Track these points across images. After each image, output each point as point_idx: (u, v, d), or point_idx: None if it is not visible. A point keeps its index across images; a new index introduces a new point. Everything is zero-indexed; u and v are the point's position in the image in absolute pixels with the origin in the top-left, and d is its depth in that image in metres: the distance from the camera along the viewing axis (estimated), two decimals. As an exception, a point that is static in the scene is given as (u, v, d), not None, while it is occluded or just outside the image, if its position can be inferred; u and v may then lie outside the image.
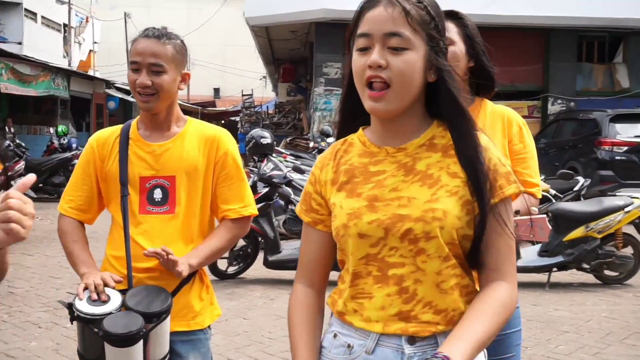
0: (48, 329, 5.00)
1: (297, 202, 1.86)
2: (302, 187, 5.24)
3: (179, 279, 2.12)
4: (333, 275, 1.56)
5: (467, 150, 1.42)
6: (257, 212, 2.37)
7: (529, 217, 2.05)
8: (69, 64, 27.13)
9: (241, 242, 6.70)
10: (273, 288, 6.40)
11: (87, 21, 33.10)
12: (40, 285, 6.39)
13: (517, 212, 2.04)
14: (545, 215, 2.05)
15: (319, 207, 1.55)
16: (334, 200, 1.50)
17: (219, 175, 2.26)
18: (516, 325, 2.29)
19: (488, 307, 1.38)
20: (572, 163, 11.26)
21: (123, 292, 2.02)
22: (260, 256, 6.76)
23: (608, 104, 13.44)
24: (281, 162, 8.44)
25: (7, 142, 13.41)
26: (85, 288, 2.00)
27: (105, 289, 2.00)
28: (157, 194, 2.20)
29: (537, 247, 6.54)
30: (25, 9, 24.70)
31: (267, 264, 6.60)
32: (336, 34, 12.89)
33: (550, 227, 2.05)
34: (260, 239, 6.74)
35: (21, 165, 12.62)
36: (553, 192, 7.55)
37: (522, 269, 5.96)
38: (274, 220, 6.82)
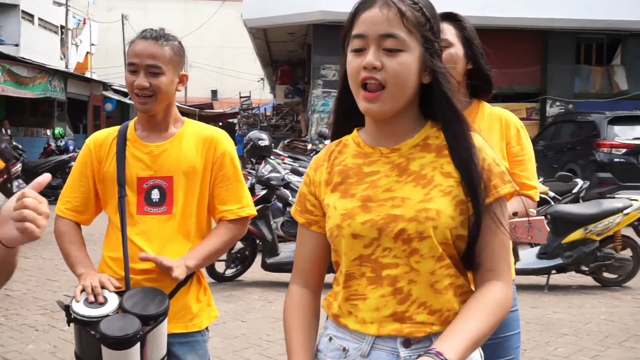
0: (45, 332, 4.98)
1: (296, 204, 1.84)
2: (301, 189, 5.21)
3: (176, 281, 2.10)
4: (330, 277, 1.55)
5: (461, 151, 1.42)
6: (255, 213, 2.36)
7: (526, 218, 2.05)
8: (66, 66, 27.12)
9: (239, 245, 6.69)
10: (271, 291, 6.38)
11: (84, 23, 33.07)
12: (37, 288, 6.36)
13: (515, 214, 2.04)
14: (543, 217, 2.04)
15: (314, 208, 1.55)
16: (328, 201, 1.50)
17: (217, 176, 2.25)
18: (515, 328, 2.28)
19: (483, 306, 1.38)
20: (571, 165, 11.27)
21: (120, 294, 2.02)
22: (258, 259, 6.73)
23: (606, 106, 13.45)
24: (279, 164, 8.43)
25: (4, 144, 13.36)
26: (83, 290, 1.99)
27: (103, 291, 1.99)
28: (155, 194, 2.20)
29: (536, 249, 6.54)
30: (23, 11, 24.68)
31: (265, 266, 6.58)
32: (334, 36, 12.84)
33: (548, 229, 2.04)
34: (258, 241, 6.71)
35: (18, 167, 12.56)
36: (552, 194, 7.55)
37: (520, 272, 5.94)
38: (272, 222, 6.80)
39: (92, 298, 1.96)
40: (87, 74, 29.30)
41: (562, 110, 15.04)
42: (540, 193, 6.93)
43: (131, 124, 2.30)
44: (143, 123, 2.26)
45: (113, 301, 1.96)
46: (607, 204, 6.46)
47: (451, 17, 2.27)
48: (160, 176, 2.20)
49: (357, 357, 1.45)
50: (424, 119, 1.50)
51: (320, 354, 1.51)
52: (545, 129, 13.47)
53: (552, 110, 15.26)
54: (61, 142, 15.02)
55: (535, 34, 15.23)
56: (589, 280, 6.70)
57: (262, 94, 33.86)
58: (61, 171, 13.30)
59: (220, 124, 29.67)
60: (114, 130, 2.32)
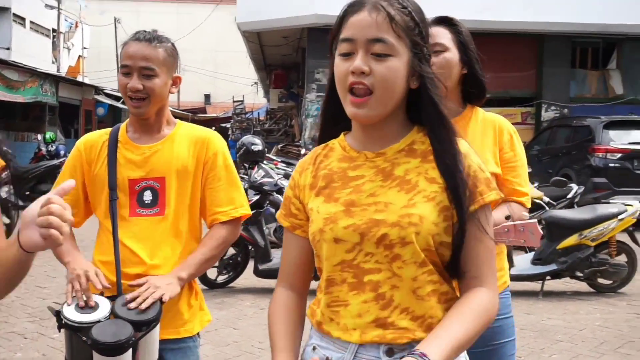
0: (34, 340, 4.93)
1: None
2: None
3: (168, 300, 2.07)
4: (315, 285, 1.54)
5: (446, 157, 1.41)
6: (250, 213, 2.33)
7: (520, 222, 2.03)
8: (58, 70, 27.06)
9: (231, 251, 6.67)
10: (263, 297, 6.33)
11: (76, 26, 33.03)
12: (26, 295, 6.28)
13: (508, 218, 2.01)
14: (536, 220, 2.03)
15: (298, 211, 1.55)
16: (312, 205, 1.49)
17: (208, 176, 2.24)
18: (510, 335, 2.28)
19: (469, 310, 1.37)
20: (566, 170, 11.29)
21: (112, 298, 1.99)
22: (251, 265, 6.70)
23: (602, 111, 13.49)
24: (272, 169, 8.40)
25: (3, 145, 13.31)
26: (74, 290, 1.99)
27: (94, 296, 1.98)
28: (147, 196, 2.19)
29: (530, 255, 6.56)
30: (14, 14, 24.62)
31: (258, 272, 6.57)
32: (328, 39, 12.84)
33: (541, 232, 2.03)
34: (250, 247, 6.71)
35: (7, 172, 12.46)
36: (546, 199, 7.55)
37: (515, 278, 5.93)
38: (264, 228, 6.76)
39: (82, 303, 1.94)
40: (79, 78, 29.24)
41: (558, 115, 15.06)
42: (535, 198, 6.92)
43: (123, 126, 2.30)
44: (135, 125, 2.26)
45: (105, 306, 1.94)
46: (602, 209, 6.49)
47: (447, 21, 2.26)
48: (152, 177, 2.19)
49: None
50: (410, 124, 1.49)
51: None
52: (540, 133, 13.49)
53: (547, 114, 15.29)
54: (52, 146, 14.99)
55: (530, 38, 15.26)
56: (583, 286, 6.69)
57: (256, 98, 33.91)
58: (52, 176, 13.19)
59: (213, 128, 29.55)
60: (105, 132, 2.31)
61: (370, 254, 1.40)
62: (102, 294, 2.03)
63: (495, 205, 1.49)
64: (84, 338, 1.85)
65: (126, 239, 2.16)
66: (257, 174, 7.17)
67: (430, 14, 2.25)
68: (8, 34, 23.84)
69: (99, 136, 2.29)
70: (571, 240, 6.33)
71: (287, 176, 8.24)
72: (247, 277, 6.80)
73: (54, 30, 29.24)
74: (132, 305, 1.94)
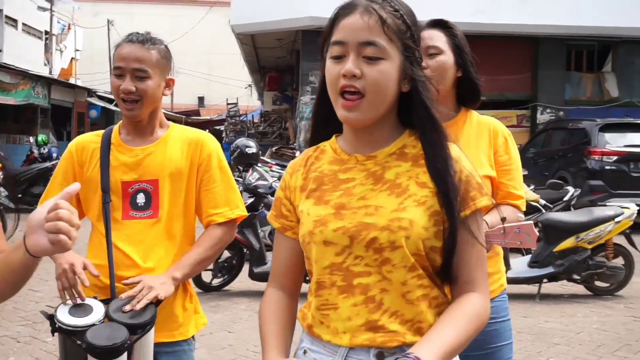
0: (27, 344, 4.90)
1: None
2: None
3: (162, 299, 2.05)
4: (306, 288, 1.54)
5: (437, 161, 1.41)
6: (246, 213, 2.32)
7: (515, 224, 2.01)
8: (50, 72, 26.98)
9: (226, 254, 6.66)
10: (259, 300, 6.19)
11: (69, 28, 32.94)
12: (18, 299, 6.22)
13: (503, 219, 2.00)
14: (532, 222, 2.02)
15: (289, 213, 1.55)
16: (302, 207, 1.50)
17: (203, 178, 2.24)
18: (507, 338, 2.28)
19: (462, 315, 1.38)
20: (562, 173, 11.33)
21: (106, 302, 1.99)
22: (246, 268, 6.68)
23: (597, 113, 13.53)
24: (267, 172, 8.36)
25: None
26: (67, 297, 2.00)
27: (88, 299, 1.97)
28: (140, 198, 2.19)
29: (527, 258, 6.58)
30: (6, 16, 24.50)
31: (253, 275, 6.56)
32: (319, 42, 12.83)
33: (538, 234, 2.02)
34: (245, 250, 6.72)
35: (0, 175, 12.40)
36: (543, 202, 7.55)
37: (512, 280, 5.93)
38: (259, 231, 6.75)
39: (73, 300, 1.95)
40: (72, 80, 29.15)
41: (553, 117, 15.11)
42: (531, 201, 6.91)
43: (116, 128, 2.29)
44: (128, 127, 2.26)
45: (99, 310, 1.93)
46: (599, 212, 6.52)
47: (442, 24, 2.27)
48: (146, 180, 2.19)
49: None
50: (402, 127, 1.50)
51: None
52: (536, 136, 13.54)
53: (542, 117, 15.32)
54: (44, 149, 14.93)
55: (525, 41, 15.30)
56: (580, 289, 6.73)
57: (250, 101, 33.84)
58: (44, 179, 13.14)
59: (207, 131, 29.51)
60: (97, 134, 2.31)
61: (359, 257, 1.40)
62: (95, 297, 2.01)
63: (487, 210, 1.48)
64: (79, 342, 1.84)
65: (119, 241, 2.15)
66: (252, 177, 7.14)
67: (425, 16, 2.23)
68: (0, 36, 23.73)
69: (92, 138, 2.29)
70: (568, 243, 6.36)
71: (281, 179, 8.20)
72: (242, 280, 6.77)
73: (46, 32, 29.13)
74: (127, 307, 1.93)
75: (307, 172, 1.53)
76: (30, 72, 20.56)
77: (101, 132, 2.31)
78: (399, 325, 1.39)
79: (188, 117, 31.28)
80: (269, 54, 19.68)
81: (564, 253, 6.36)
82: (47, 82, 22.18)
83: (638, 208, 6.61)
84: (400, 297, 1.39)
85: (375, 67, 1.37)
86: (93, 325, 1.88)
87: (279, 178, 8.13)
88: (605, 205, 7.06)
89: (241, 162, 7.72)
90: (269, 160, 12.29)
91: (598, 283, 6.59)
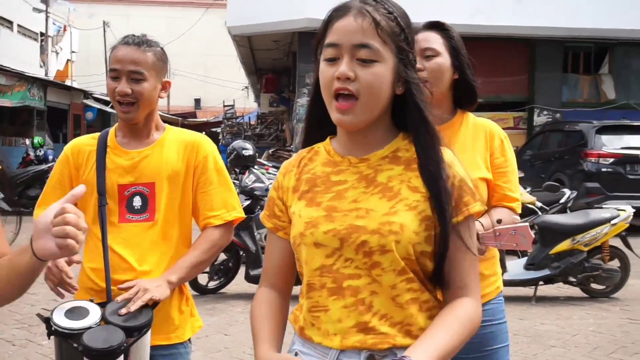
0: (22, 347, 4.88)
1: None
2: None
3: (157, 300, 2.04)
4: (298, 290, 1.54)
5: (430, 164, 1.41)
6: (243, 215, 2.31)
7: (511, 225, 2.01)
8: (46, 74, 26.92)
9: (222, 256, 6.66)
10: (255, 303, 6.28)
11: (64, 30, 32.86)
12: (14, 302, 6.19)
13: (499, 221, 2.00)
14: (527, 224, 2.02)
15: (281, 213, 1.55)
16: (294, 209, 1.50)
17: (199, 181, 2.23)
18: (504, 341, 2.27)
19: (455, 319, 1.38)
20: (558, 175, 11.34)
21: (102, 305, 1.98)
22: (242, 270, 6.66)
23: (594, 115, 13.54)
24: (263, 174, 8.35)
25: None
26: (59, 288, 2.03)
27: (84, 302, 1.96)
28: (137, 201, 2.18)
29: (523, 260, 6.58)
30: (1, 17, 24.49)
31: (249, 278, 6.55)
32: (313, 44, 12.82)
33: (533, 236, 2.03)
34: (241, 252, 6.70)
35: (-3, 177, 12.35)
36: (539, 204, 7.57)
37: (508, 283, 5.94)
38: (255, 233, 6.73)
39: (62, 295, 1.97)
40: (68, 82, 29.09)
41: (550, 120, 15.11)
42: (528, 203, 6.91)
43: (112, 130, 2.29)
44: (124, 130, 2.25)
45: (95, 312, 1.93)
46: (595, 214, 6.53)
47: (438, 26, 2.26)
48: (142, 182, 2.18)
49: None
50: (396, 130, 1.50)
51: None
52: (532, 138, 13.54)
53: (539, 119, 15.33)
54: (40, 151, 14.88)
55: (522, 43, 15.31)
56: (576, 291, 6.72)
57: (247, 103, 33.84)
58: (40, 181, 13.12)
59: (204, 133, 29.49)
60: (93, 137, 2.30)
61: (350, 260, 1.40)
62: (92, 300, 2.00)
63: (478, 216, 1.48)
64: (75, 345, 1.83)
65: (115, 245, 2.14)
66: (248, 179, 7.12)
67: (421, 18, 2.23)
68: (-5, 37, 23.69)
69: (87, 141, 2.28)
70: (564, 245, 6.36)
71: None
72: (238, 283, 6.75)
73: (42, 34, 29.07)
74: (123, 310, 1.92)
75: (300, 173, 1.53)
76: (26, 74, 20.52)
77: (97, 134, 2.30)
78: (389, 327, 1.39)
79: (184, 119, 31.23)
80: (265, 56, 19.67)
81: (560, 255, 6.36)
82: (43, 84, 22.14)
83: (634, 210, 6.63)
84: (389, 300, 1.39)
85: (369, 70, 1.37)
86: (89, 328, 1.87)
87: (276, 180, 8.13)
88: (601, 208, 7.09)
89: (238, 165, 7.71)
90: (265, 162, 12.29)
91: (594, 285, 6.59)
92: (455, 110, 2.29)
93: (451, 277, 1.43)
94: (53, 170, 2.30)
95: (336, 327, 1.41)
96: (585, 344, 5.11)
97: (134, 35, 2.20)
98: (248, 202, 6.87)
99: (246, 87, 33.39)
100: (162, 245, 2.17)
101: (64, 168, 2.25)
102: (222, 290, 6.73)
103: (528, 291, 6.57)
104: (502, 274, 2.33)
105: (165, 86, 2.23)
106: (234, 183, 7.61)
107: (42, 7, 27.82)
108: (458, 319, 1.38)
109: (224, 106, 27.23)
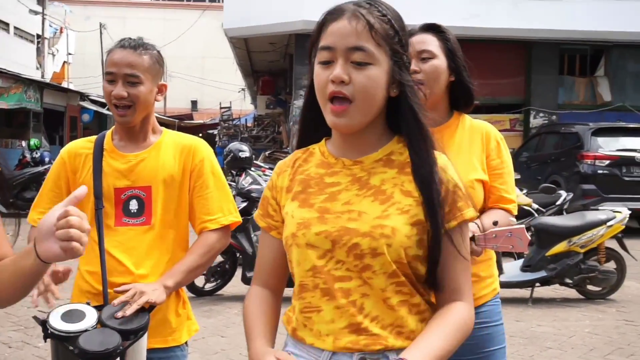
0: (18, 349, 4.87)
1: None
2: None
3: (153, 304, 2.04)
4: (290, 292, 1.54)
5: (423, 167, 1.42)
6: (239, 219, 2.30)
7: (507, 227, 2.02)
8: (42, 76, 26.88)
9: (219, 258, 6.62)
10: (252, 305, 6.27)
11: (61, 32, 32.83)
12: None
13: (495, 223, 2.00)
14: (523, 226, 2.03)
15: (274, 213, 1.56)
16: (287, 209, 1.50)
17: (195, 185, 2.23)
18: (500, 343, 2.27)
19: (449, 323, 1.39)
20: (555, 177, 11.34)
21: (98, 308, 1.98)
22: (239, 272, 6.66)
23: (590, 118, 13.58)
24: (260, 176, 8.33)
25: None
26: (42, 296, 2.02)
27: (80, 305, 1.96)
28: (133, 205, 2.18)
29: (520, 262, 6.58)
30: (-2, 19, 24.40)
31: (246, 280, 6.53)
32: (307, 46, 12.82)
33: (529, 238, 2.03)
34: (238, 254, 6.70)
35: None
36: (535, 206, 7.56)
37: (504, 285, 5.93)
38: (252, 235, 6.72)
39: (51, 302, 1.97)
40: (64, 84, 29.03)
41: (546, 122, 15.14)
42: (524, 205, 6.90)
43: (108, 133, 2.29)
44: (121, 133, 2.25)
45: (91, 315, 1.92)
46: (591, 216, 6.53)
47: (435, 28, 2.27)
48: (138, 186, 2.18)
49: None
50: (391, 133, 1.50)
51: None
52: (528, 140, 13.55)
53: (535, 121, 15.36)
54: (36, 153, 14.84)
55: (518, 45, 15.35)
56: (573, 293, 6.72)
57: (243, 105, 33.79)
58: (36, 183, 13.10)
59: (200, 135, 29.48)
60: (89, 140, 2.30)
61: (341, 262, 1.41)
62: (88, 303, 2.00)
63: (471, 221, 1.48)
64: (71, 347, 1.83)
65: (112, 248, 2.14)
66: (245, 181, 7.12)
67: (417, 21, 2.24)
68: (-8, 39, 23.65)
69: (84, 144, 2.28)
70: (560, 247, 6.36)
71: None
72: (235, 285, 6.74)
73: (38, 36, 29.04)
74: (119, 314, 1.92)
75: (294, 174, 1.54)
76: (22, 75, 20.45)
77: (93, 137, 2.30)
78: (380, 329, 1.40)
79: (181, 121, 31.18)
80: (262, 58, 19.66)
81: (556, 257, 6.36)
82: (40, 86, 22.06)
83: (630, 212, 6.63)
84: (380, 302, 1.40)
85: (363, 73, 1.38)
86: (85, 331, 1.87)
87: (272, 182, 8.12)
88: (597, 210, 7.07)
89: (234, 167, 7.70)
90: (262, 164, 12.28)
91: (590, 287, 6.60)
92: (452, 112, 2.29)
93: (444, 281, 1.44)
94: (49, 174, 2.30)
95: (329, 327, 1.41)
96: (581, 346, 5.11)
97: (130, 39, 2.20)
98: (244, 204, 6.86)
99: (243, 89, 33.34)
100: (159, 249, 2.17)
101: (60, 171, 2.25)
102: (219, 292, 6.73)
103: (524, 293, 6.58)
104: (499, 276, 2.34)
105: (162, 89, 2.23)
106: (230, 185, 7.60)
107: (39, 9, 27.80)
108: (452, 323, 1.39)
109: (221, 108, 27.17)
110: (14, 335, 5.20)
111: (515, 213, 2.26)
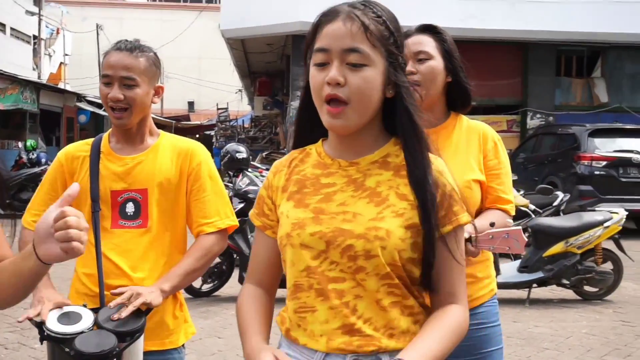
0: (15, 350, 4.86)
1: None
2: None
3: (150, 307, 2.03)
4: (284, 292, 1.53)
5: (417, 169, 1.42)
6: (237, 223, 2.30)
7: (504, 229, 2.01)
8: (39, 77, 26.84)
9: (216, 260, 6.56)
10: (249, 307, 6.27)
11: (57, 33, 32.78)
12: (7, 305, 6.18)
13: (492, 224, 2.00)
14: (520, 227, 2.03)
15: (270, 212, 1.56)
16: (282, 209, 1.50)
17: (192, 188, 2.22)
18: (497, 344, 2.26)
19: (444, 326, 1.40)
20: (552, 178, 11.35)
21: (95, 310, 1.97)
22: (236, 273, 6.67)
23: (587, 119, 13.63)
24: (257, 177, 8.33)
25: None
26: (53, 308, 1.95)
27: (76, 307, 1.95)
28: (130, 208, 2.17)
29: (517, 263, 6.58)
30: (-6, 20, 24.38)
31: (242, 281, 6.45)
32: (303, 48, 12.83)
33: (526, 239, 2.03)
34: (235, 255, 6.69)
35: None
36: (532, 207, 7.58)
37: (501, 285, 5.92)
38: (249, 236, 6.71)
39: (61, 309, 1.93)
40: (61, 85, 28.99)
41: (543, 123, 15.17)
42: (521, 206, 6.90)
43: (105, 136, 2.28)
44: (117, 135, 2.24)
45: (88, 317, 1.92)
46: (588, 216, 6.53)
47: (431, 29, 2.26)
48: (135, 189, 2.17)
49: None
50: (387, 135, 1.50)
51: None
52: (525, 141, 13.58)
53: (532, 122, 15.39)
54: (33, 154, 14.84)
55: (515, 46, 15.38)
56: (570, 293, 6.73)
57: (240, 106, 33.81)
58: (33, 184, 13.06)
59: (197, 136, 29.51)
60: (86, 143, 2.29)
61: (335, 263, 1.41)
62: (84, 305, 1.99)
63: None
64: (67, 349, 1.83)
65: (108, 251, 2.14)
66: (242, 182, 7.11)
67: (414, 22, 2.24)
68: (-12, 40, 23.61)
69: (81, 147, 2.27)
70: (557, 248, 6.36)
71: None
72: (232, 286, 6.74)
73: (34, 37, 28.99)
74: (116, 316, 1.92)
75: (290, 174, 1.54)
76: (18, 76, 20.47)
77: (91, 140, 2.29)
78: (374, 330, 1.40)
79: (178, 122, 31.20)
80: (259, 59, 19.67)
81: (553, 258, 6.36)
82: (36, 87, 22.06)
83: (627, 213, 6.64)
84: (373, 304, 1.40)
85: (359, 74, 1.37)
86: (82, 332, 1.86)
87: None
88: (594, 210, 7.09)
89: (231, 168, 7.69)
90: (259, 165, 12.27)
91: (587, 288, 6.61)
92: (449, 113, 2.29)
93: (439, 284, 1.44)
94: (45, 176, 2.29)
95: (323, 328, 1.41)
96: (578, 346, 5.11)
97: (126, 41, 2.19)
98: (241, 205, 6.86)
99: (240, 90, 33.35)
100: (155, 252, 2.17)
101: (57, 174, 2.24)
102: (216, 293, 6.72)
103: (522, 294, 6.58)
104: (496, 277, 2.33)
105: (158, 91, 2.23)
106: (227, 186, 7.54)
107: (35, 9, 27.78)
108: (447, 325, 1.40)
109: (218, 109, 27.21)
110: (10, 337, 5.18)
111: (513, 213, 2.26)
